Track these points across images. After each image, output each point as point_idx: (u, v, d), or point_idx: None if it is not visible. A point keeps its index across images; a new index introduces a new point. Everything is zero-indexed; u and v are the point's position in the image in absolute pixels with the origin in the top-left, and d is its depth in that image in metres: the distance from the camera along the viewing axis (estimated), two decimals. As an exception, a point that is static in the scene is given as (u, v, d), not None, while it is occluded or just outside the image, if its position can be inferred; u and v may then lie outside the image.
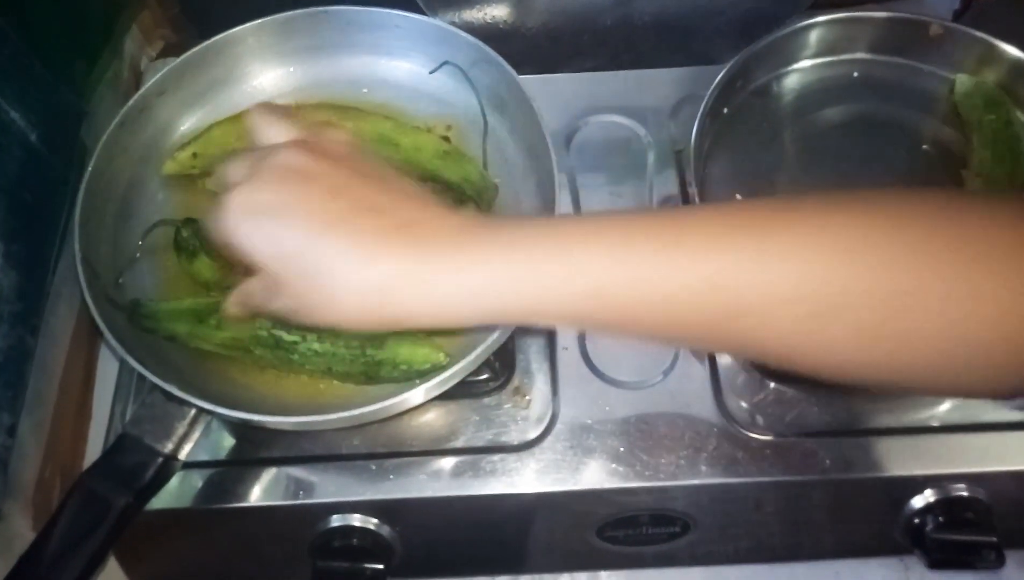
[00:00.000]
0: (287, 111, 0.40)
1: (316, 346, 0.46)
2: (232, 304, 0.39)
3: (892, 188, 0.32)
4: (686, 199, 0.58)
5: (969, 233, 0.30)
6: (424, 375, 0.45)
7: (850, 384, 0.43)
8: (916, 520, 0.50)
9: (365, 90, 0.57)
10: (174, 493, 0.48)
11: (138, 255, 0.51)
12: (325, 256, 0.33)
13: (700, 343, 0.42)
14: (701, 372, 0.52)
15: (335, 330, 0.37)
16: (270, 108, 0.40)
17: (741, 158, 0.58)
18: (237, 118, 0.54)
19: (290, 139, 0.37)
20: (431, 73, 0.56)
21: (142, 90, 0.52)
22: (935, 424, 0.50)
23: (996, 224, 0.30)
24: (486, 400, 0.51)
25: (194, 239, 0.49)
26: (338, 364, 0.46)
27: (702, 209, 0.34)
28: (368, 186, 0.35)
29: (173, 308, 0.47)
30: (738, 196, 0.56)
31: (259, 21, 0.54)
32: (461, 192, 0.52)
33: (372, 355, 0.46)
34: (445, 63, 0.55)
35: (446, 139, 0.54)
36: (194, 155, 0.52)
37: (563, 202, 0.56)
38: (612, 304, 0.33)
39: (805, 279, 0.30)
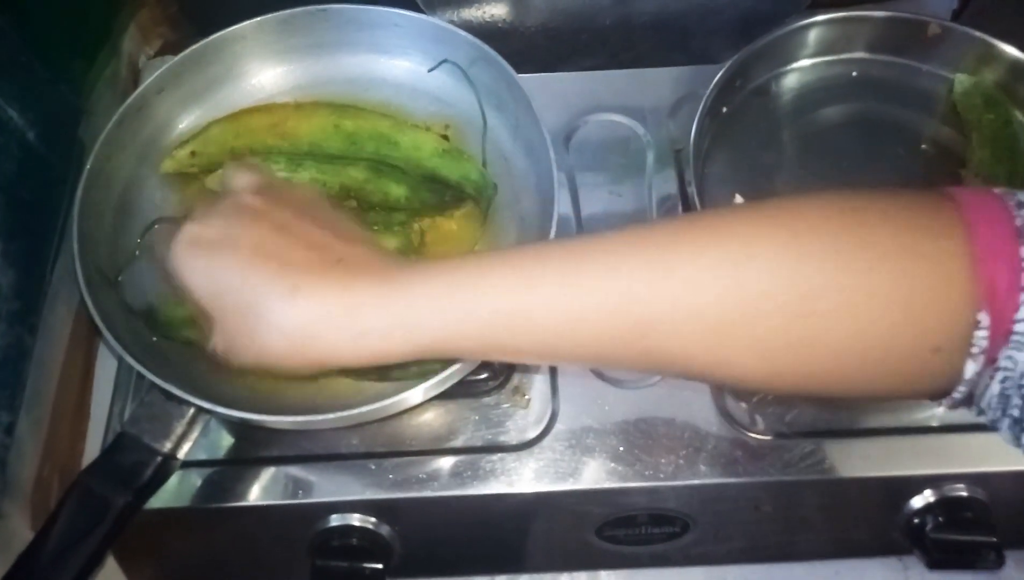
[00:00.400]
0: (260, 167, 0.42)
1: None
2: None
3: (793, 197, 0.32)
4: (685, 198, 0.58)
5: (869, 236, 0.30)
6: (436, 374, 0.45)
7: (767, 392, 0.42)
8: (915, 520, 0.50)
9: (363, 88, 0.57)
10: (173, 492, 0.48)
11: (137, 253, 0.51)
12: (254, 290, 0.35)
13: (613, 363, 0.43)
14: (700, 371, 0.52)
15: (267, 372, 0.38)
16: (243, 162, 0.42)
17: (740, 157, 0.58)
18: (236, 116, 0.54)
19: (253, 185, 0.39)
20: (430, 72, 0.56)
21: (140, 88, 0.52)
22: (934, 424, 0.50)
23: (897, 225, 0.30)
24: (485, 399, 0.51)
25: None
26: None
27: (610, 233, 0.35)
28: (313, 226, 0.37)
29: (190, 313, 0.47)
30: (737, 196, 0.56)
31: (258, 19, 0.54)
32: (460, 190, 0.52)
33: None
34: (444, 61, 0.55)
35: (445, 137, 0.53)
36: (192, 153, 0.52)
37: (562, 201, 0.55)
38: (526, 329, 0.34)
39: (705, 292, 0.31)
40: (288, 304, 0.34)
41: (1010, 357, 0.28)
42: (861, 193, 0.31)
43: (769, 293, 0.30)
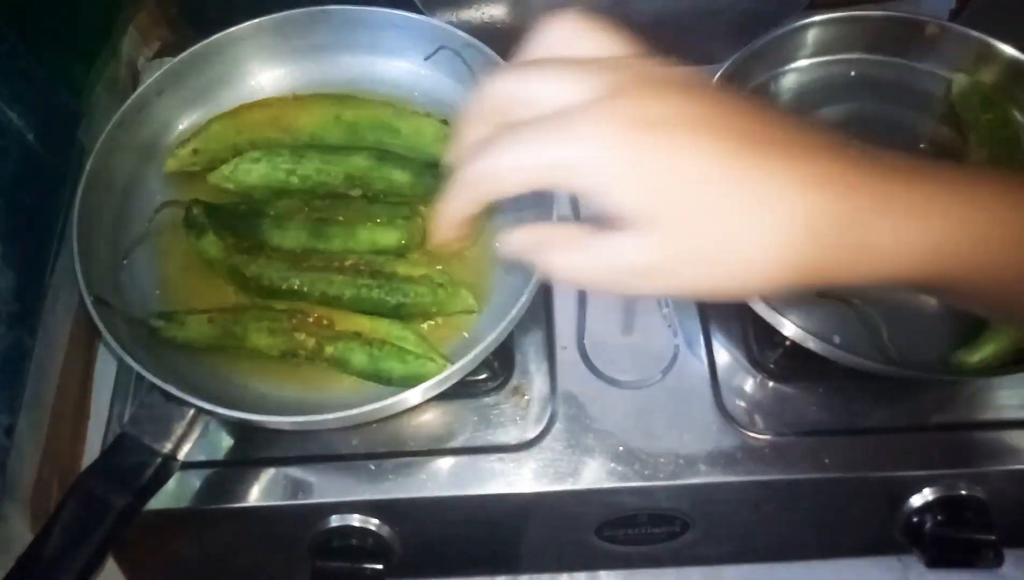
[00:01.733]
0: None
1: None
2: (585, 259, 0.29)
3: None
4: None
5: None
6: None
7: None
8: (915, 519, 0.50)
9: (362, 89, 0.57)
10: (173, 493, 0.48)
11: (140, 242, 0.51)
12: (747, 181, 0.25)
13: None
14: (700, 371, 0.52)
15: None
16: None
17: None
18: (236, 112, 0.54)
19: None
20: (427, 59, 0.56)
21: (140, 89, 0.52)
22: (933, 423, 0.50)
23: None
24: (485, 400, 0.51)
25: (203, 217, 0.49)
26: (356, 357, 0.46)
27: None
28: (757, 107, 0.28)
29: (196, 319, 0.48)
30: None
31: (256, 20, 0.54)
32: None
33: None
34: (441, 48, 0.55)
35: (445, 123, 0.53)
36: (195, 151, 0.52)
37: (561, 202, 0.55)
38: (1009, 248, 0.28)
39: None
40: (801, 198, 0.25)
41: None
42: None
43: None
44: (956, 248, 0.27)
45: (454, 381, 0.44)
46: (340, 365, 0.47)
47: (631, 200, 0.26)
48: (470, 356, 0.43)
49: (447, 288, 0.48)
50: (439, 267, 0.50)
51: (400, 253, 0.50)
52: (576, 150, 0.26)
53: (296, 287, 0.48)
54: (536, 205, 0.51)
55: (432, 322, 0.49)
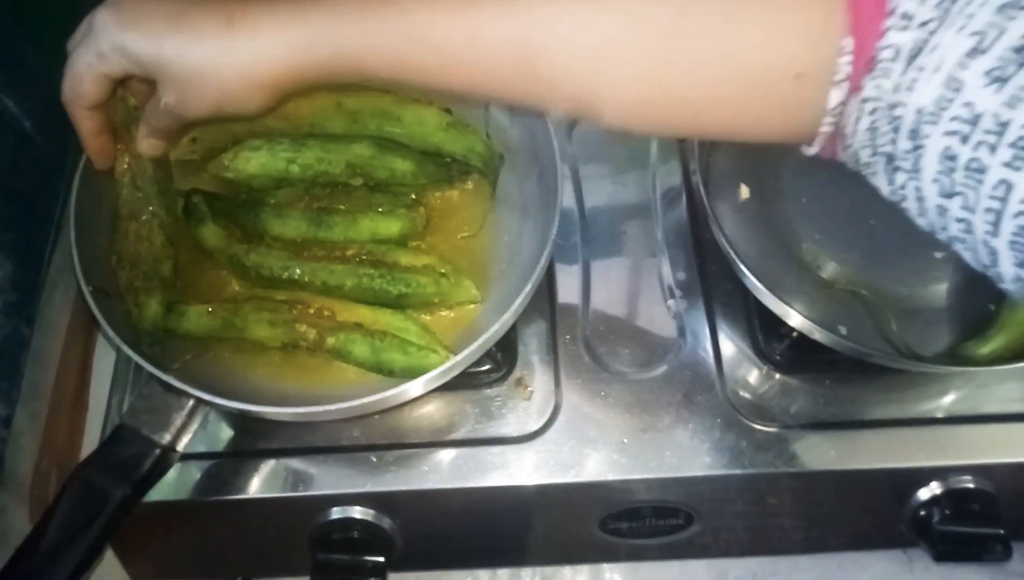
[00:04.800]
0: None
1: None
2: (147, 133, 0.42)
3: None
4: (690, 190, 0.58)
5: None
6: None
7: (642, 127, 0.41)
8: (922, 512, 0.49)
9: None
10: (172, 485, 0.48)
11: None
12: (195, 32, 0.36)
13: (502, 90, 0.41)
14: (705, 363, 0.51)
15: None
16: None
17: (745, 147, 0.57)
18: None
19: None
20: None
21: (138, 77, 0.51)
22: (941, 415, 0.50)
23: None
24: (487, 391, 0.50)
25: (203, 205, 0.49)
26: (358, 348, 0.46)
27: None
28: None
29: (198, 311, 0.47)
30: (743, 186, 0.56)
31: (256, 7, 0.54)
32: (467, 163, 0.51)
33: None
34: None
35: (448, 111, 0.53)
36: (193, 140, 0.52)
37: (566, 192, 0.55)
38: (434, 49, 0.35)
39: (588, 18, 0.32)
40: (228, 36, 0.36)
41: (877, 85, 0.28)
42: None
43: (646, 13, 0.32)
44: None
45: (456, 373, 0.44)
46: (341, 356, 0.47)
47: (140, 57, 0.37)
48: (472, 347, 0.42)
49: (450, 278, 0.48)
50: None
51: (402, 242, 0.50)
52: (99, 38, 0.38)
53: (297, 276, 0.48)
54: (539, 195, 0.51)
55: (433, 313, 0.49)
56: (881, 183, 0.31)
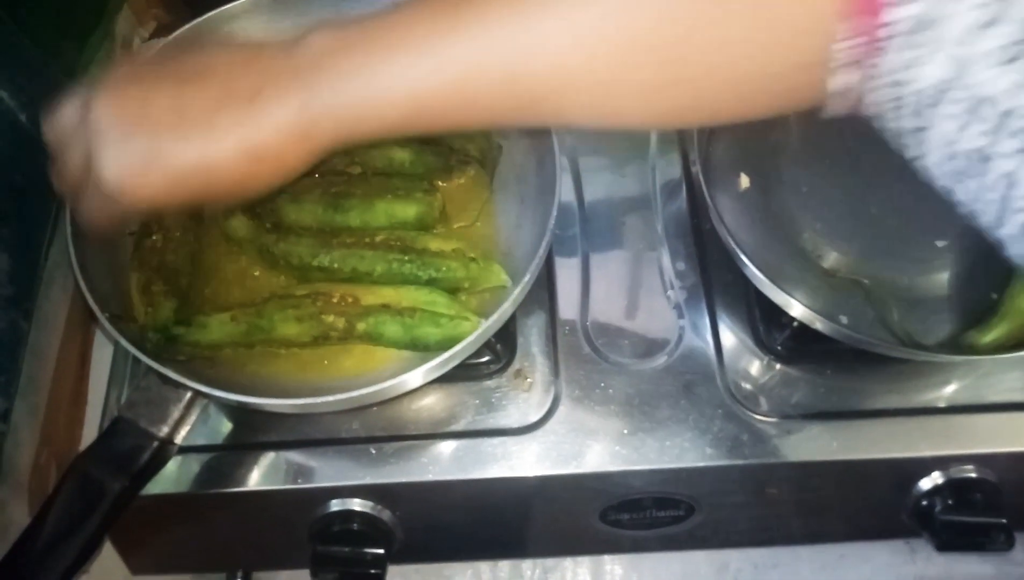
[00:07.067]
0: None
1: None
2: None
3: None
4: (690, 181, 0.57)
5: None
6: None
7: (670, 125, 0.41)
8: (924, 502, 0.49)
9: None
10: (170, 478, 0.48)
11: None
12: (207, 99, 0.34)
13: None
14: (705, 353, 0.51)
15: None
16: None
17: (745, 138, 0.57)
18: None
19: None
20: None
21: (135, 69, 0.51)
22: (943, 405, 0.49)
23: None
24: (487, 382, 0.50)
25: None
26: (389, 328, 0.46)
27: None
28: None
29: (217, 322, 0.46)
30: (743, 177, 0.55)
31: (252, -2, 0.53)
32: (465, 153, 0.51)
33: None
34: None
35: None
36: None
37: (564, 183, 0.55)
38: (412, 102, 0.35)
39: (586, 45, 0.32)
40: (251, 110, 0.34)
41: (876, 64, 0.28)
42: None
43: (648, 35, 0.31)
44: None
45: (455, 363, 0.44)
46: (373, 339, 0.46)
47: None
48: (472, 337, 0.42)
49: (479, 262, 0.47)
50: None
51: (420, 227, 0.49)
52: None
53: (327, 264, 0.47)
54: (538, 186, 0.50)
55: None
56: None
